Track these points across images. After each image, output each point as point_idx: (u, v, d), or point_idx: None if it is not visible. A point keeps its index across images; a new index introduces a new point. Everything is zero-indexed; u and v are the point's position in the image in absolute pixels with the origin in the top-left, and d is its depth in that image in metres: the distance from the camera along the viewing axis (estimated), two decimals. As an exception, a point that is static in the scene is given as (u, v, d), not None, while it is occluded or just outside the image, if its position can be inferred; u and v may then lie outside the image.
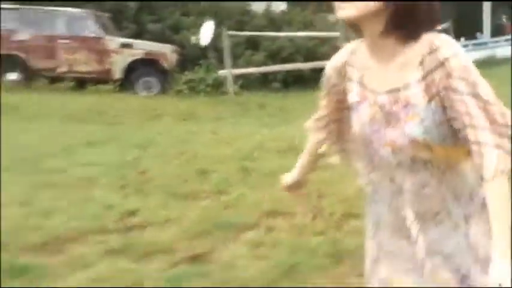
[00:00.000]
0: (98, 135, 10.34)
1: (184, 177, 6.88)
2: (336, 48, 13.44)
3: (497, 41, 24.10)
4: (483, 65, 19.52)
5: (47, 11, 17.19)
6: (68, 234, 4.73)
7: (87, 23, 16.89)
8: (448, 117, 1.87)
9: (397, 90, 1.90)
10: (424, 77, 1.87)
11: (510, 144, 1.82)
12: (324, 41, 17.45)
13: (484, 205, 1.89)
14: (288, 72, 17.02)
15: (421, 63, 1.86)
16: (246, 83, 16.41)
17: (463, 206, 1.97)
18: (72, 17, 17.02)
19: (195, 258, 4.25)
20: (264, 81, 16.60)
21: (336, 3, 1.88)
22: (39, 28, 16.91)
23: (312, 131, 2.34)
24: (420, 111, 1.87)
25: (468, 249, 1.97)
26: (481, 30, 24.38)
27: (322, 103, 2.24)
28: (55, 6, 17.30)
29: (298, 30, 17.87)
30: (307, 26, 18.25)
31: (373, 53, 1.96)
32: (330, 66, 2.15)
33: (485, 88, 1.81)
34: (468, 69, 1.82)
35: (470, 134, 1.81)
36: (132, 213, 5.33)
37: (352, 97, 2.04)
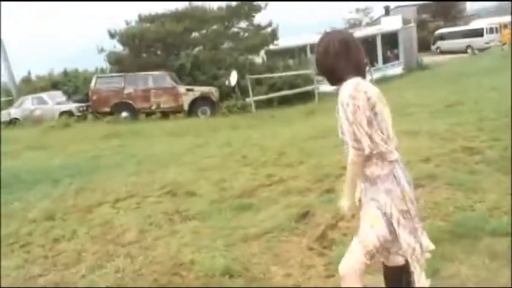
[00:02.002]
0: (200, 142, 10.27)
1: (270, 155, 6.96)
2: (306, 79, 14.19)
3: (386, 67, 24.69)
4: (380, 80, 20.50)
5: (141, 74, 17.57)
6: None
7: (166, 79, 17.19)
8: None
9: (338, 111, 2.01)
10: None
11: (362, 148, 1.92)
12: (297, 76, 17.85)
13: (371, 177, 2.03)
14: (280, 96, 17.35)
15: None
16: (259, 105, 16.78)
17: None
18: (157, 77, 17.31)
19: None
20: (268, 103, 16.98)
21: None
22: (138, 85, 17.26)
23: None
24: (342, 124, 1.99)
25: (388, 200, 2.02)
26: (377, 61, 24.64)
27: None
28: (146, 71, 17.69)
29: (282, 71, 18.26)
30: (286, 68, 18.70)
31: None
32: None
33: (351, 112, 1.89)
34: (343, 102, 1.92)
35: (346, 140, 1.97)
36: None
37: None
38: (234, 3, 20.08)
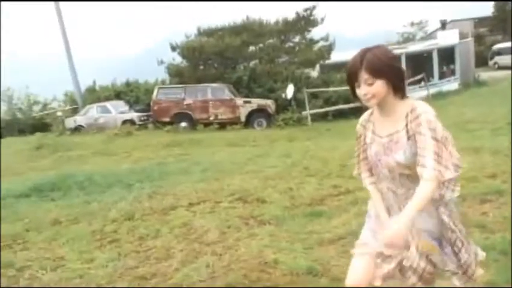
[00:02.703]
0: (259, 152, 10.54)
1: (332, 168, 7.27)
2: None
3: (442, 82, 24.31)
4: (436, 96, 20.20)
5: (201, 86, 18.16)
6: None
7: (224, 91, 17.73)
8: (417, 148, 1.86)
9: (392, 134, 1.93)
10: (406, 125, 1.89)
11: (446, 170, 1.84)
12: (353, 90, 17.80)
13: (437, 200, 1.96)
14: (335, 110, 17.47)
15: (406, 117, 1.89)
16: (314, 118, 16.96)
17: (433, 203, 1.95)
18: (215, 88, 17.87)
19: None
20: (323, 116, 17.12)
21: (362, 99, 1.92)
22: (198, 96, 17.84)
23: (363, 177, 2.21)
24: (403, 146, 1.89)
25: (442, 226, 1.98)
26: (432, 76, 24.19)
27: (358, 149, 2.17)
28: (203, 83, 18.32)
29: (338, 85, 18.17)
30: (342, 82, 18.52)
31: (381, 112, 1.98)
32: (359, 122, 2.13)
33: (440, 132, 1.83)
34: (431, 121, 1.83)
35: (422, 160, 1.83)
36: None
37: (368, 140, 2.06)
38: (290, 17, 20.48)
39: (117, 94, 21.74)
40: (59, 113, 21.72)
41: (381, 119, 1.99)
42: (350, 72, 1.90)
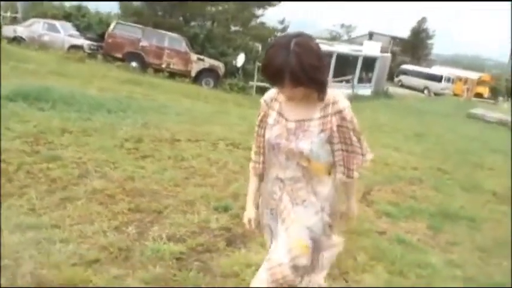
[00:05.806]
0: (218, 109, 10.99)
1: None
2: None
3: (359, 86, 26.00)
4: (353, 98, 22.13)
5: (160, 32, 18.19)
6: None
7: (181, 43, 17.97)
8: (334, 142, 1.80)
9: (303, 120, 1.78)
10: (324, 117, 1.76)
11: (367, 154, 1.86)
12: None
13: (331, 204, 1.87)
14: None
15: (324, 108, 1.76)
16: (256, 90, 17.82)
17: (321, 202, 1.84)
18: (173, 38, 18.05)
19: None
20: (263, 90, 17.91)
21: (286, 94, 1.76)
22: (154, 41, 17.84)
23: (252, 171, 2.04)
24: (312, 136, 1.76)
25: (323, 227, 1.85)
26: (353, 79, 26.11)
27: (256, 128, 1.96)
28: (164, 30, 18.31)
29: None
30: None
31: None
32: (263, 99, 1.93)
33: (358, 128, 1.80)
34: (352, 117, 1.78)
35: (344, 155, 1.82)
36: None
37: (270, 120, 1.86)
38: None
39: (66, 16, 20.76)
40: (-3, 18, 20.14)
41: (291, 102, 1.82)
42: (271, 75, 1.68)
